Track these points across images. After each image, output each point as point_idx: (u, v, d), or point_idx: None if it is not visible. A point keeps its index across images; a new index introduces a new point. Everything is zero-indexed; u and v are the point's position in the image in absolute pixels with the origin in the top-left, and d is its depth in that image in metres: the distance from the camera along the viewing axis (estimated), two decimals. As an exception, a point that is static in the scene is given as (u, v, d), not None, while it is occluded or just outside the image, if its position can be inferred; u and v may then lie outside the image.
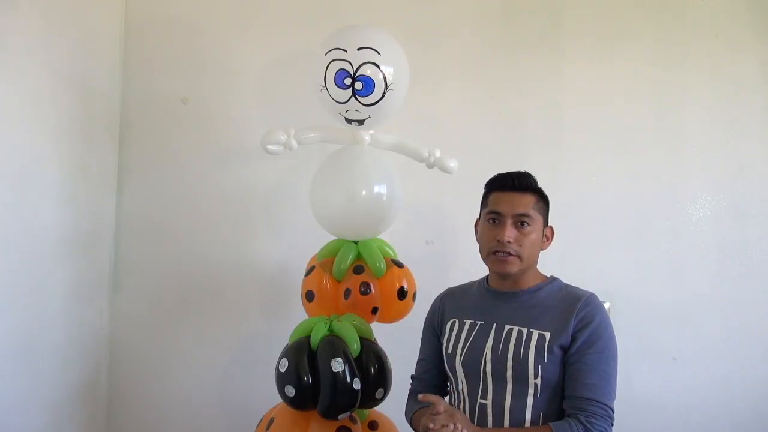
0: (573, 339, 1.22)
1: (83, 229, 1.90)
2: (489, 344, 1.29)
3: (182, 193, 2.10)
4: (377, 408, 1.69)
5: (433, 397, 1.21)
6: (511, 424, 1.23)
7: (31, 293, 1.64)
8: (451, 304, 1.44)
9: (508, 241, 1.27)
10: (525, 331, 1.26)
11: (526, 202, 1.30)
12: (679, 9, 2.31)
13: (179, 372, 2.11)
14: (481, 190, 2.27)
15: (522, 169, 1.37)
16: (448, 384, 1.42)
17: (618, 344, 1.27)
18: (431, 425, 1.14)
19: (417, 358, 1.52)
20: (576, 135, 2.25)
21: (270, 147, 1.66)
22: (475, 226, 1.42)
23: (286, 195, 2.13)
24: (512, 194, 1.31)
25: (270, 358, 1.64)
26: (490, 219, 1.33)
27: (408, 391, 1.52)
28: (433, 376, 1.46)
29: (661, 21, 2.30)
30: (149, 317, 2.10)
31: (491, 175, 1.96)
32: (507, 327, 1.28)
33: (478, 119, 2.23)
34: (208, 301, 2.11)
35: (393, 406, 1.72)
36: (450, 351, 1.36)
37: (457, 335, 1.36)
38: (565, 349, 1.23)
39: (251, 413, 1.82)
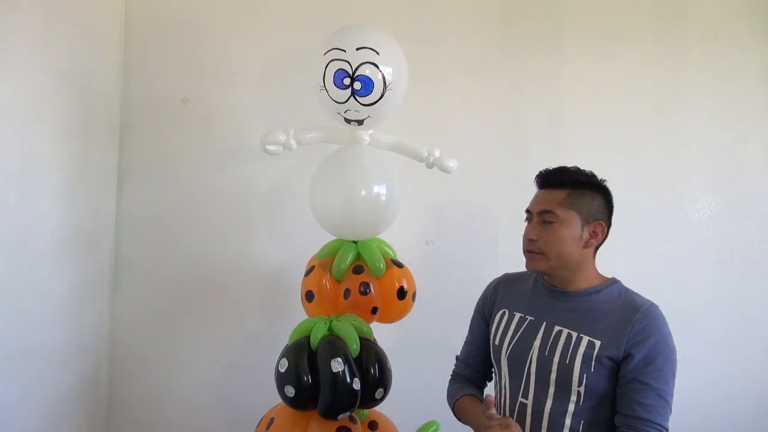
0: (628, 355, 1.16)
1: (83, 229, 1.90)
2: (537, 343, 1.25)
3: (182, 193, 2.10)
4: (377, 408, 1.69)
5: (491, 399, 1.22)
6: (548, 428, 1.20)
7: (31, 293, 1.64)
8: (505, 292, 1.41)
9: (531, 239, 1.27)
10: (575, 335, 1.21)
11: (551, 199, 1.27)
12: (679, 9, 2.31)
13: (179, 372, 2.11)
14: (481, 189, 2.29)
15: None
16: (493, 372, 1.41)
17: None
18: None
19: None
20: (576, 135, 2.25)
21: (269, 147, 1.66)
22: None
23: (286, 195, 2.13)
24: (543, 191, 1.30)
25: (270, 358, 1.64)
26: (526, 218, 1.33)
27: (451, 373, 1.52)
28: (478, 361, 1.45)
29: (661, 21, 2.30)
30: (149, 317, 2.10)
31: (490, 175, 1.98)
32: (557, 328, 1.24)
33: (478, 119, 2.23)
34: (208, 301, 2.11)
35: (393, 406, 1.72)
36: (497, 343, 1.34)
37: (505, 327, 1.33)
38: (615, 361, 1.17)
39: (251, 413, 1.82)
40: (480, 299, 1.48)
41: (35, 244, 1.66)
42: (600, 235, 1.27)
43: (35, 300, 1.67)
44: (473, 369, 1.47)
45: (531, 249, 1.27)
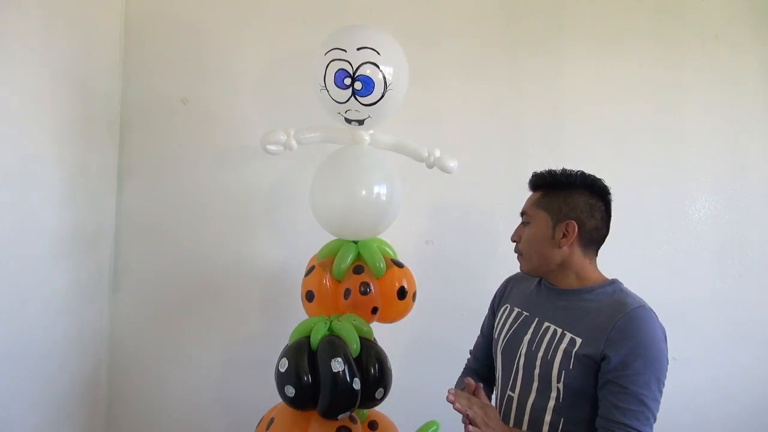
0: (606, 356, 1.13)
1: (83, 229, 1.90)
2: (527, 338, 1.28)
3: (182, 193, 2.10)
4: (377, 408, 1.69)
5: (469, 381, 1.24)
6: (530, 423, 1.22)
7: (30, 293, 1.64)
8: (513, 289, 1.45)
9: (514, 240, 1.35)
10: (559, 332, 1.23)
11: (529, 201, 1.35)
12: (679, 9, 2.31)
13: (179, 372, 2.11)
14: (481, 190, 2.29)
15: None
16: None
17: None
18: (451, 398, 1.15)
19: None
20: (576, 135, 2.25)
21: (270, 147, 1.66)
22: None
23: (286, 195, 2.13)
24: (530, 194, 1.37)
25: (270, 358, 1.64)
26: None
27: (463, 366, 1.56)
28: (486, 355, 1.48)
29: (661, 21, 2.30)
30: (149, 317, 2.10)
31: (490, 175, 1.96)
32: (545, 324, 1.27)
33: (478, 119, 2.23)
34: (208, 301, 2.11)
35: (393, 406, 1.72)
36: (495, 336, 1.38)
37: (504, 322, 1.37)
38: (593, 360, 1.15)
39: (251, 413, 1.82)
40: (493, 295, 1.53)
41: (35, 244, 1.66)
42: (571, 234, 1.25)
43: (35, 300, 1.67)
44: (481, 363, 1.51)
45: (515, 250, 1.36)
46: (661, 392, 1.14)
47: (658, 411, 1.14)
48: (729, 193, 2.32)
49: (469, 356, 1.57)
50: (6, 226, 1.53)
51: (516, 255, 1.36)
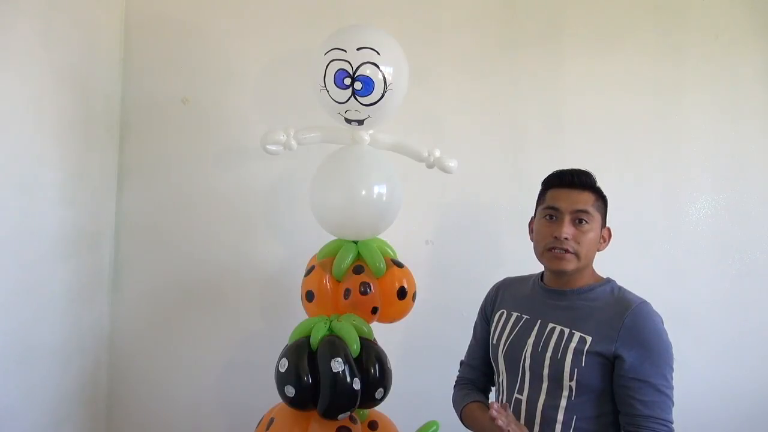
0: (620, 354, 1.18)
1: (83, 229, 1.90)
2: (531, 340, 1.29)
3: (182, 193, 2.10)
4: (377, 408, 1.69)
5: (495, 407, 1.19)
6: (541, 423, 1.23)
7: (30, 293, 1.64)
8: (505, 294, 1.45)
9: (566, 238, 1.25)
10: (567, 331, 1.25)
11: (585, 199, 1.28)
12: (679, 9, 2.31)
13: (179, 372, 2.11)
14: (481, 189, 2.28)
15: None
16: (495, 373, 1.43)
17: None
18: (494, 413, 1.14)
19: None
20: (576, 135, 2.25)
21: (269, 147, 1.66)
22: (530, 224, 1.40)
23: (286, 195, 2.13)
24: (571, 191, 1.29)
25: (270, 358, 1.64)
26: (548, 215, 1.30)
27: (456, 378, 1.53)
28: (482, 363, 1.47)
29: (661, 21, 2.30)
30: (149, 317, 2.10)
31: (490, 175, 1.95)
32: (550, 325, 1.28)
33: (478, 119, 2.22)
34: (208, 301, 2.11)
35: (393, 406, 1.72)
36: (494, 342, 1.38)
37: (502, 327, 1.37)
38: (606, 357, 1.19)
39: (251, 413, 1.82)
40: (482, 302, 1.52)
41: (35, 245, 1.66)
42: (608, 240, 1.33)
43: (35, 300, 1.67)
44: (478, 371, 1.49)
45: (565, 247, 1.25)
46: (673, 378, 1.20)
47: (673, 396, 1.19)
48: (729, 193, 2.32)
49: (460, 367, 1.54)
50: (7, 226, 1.53)
51: (556, 251, 1.26)
